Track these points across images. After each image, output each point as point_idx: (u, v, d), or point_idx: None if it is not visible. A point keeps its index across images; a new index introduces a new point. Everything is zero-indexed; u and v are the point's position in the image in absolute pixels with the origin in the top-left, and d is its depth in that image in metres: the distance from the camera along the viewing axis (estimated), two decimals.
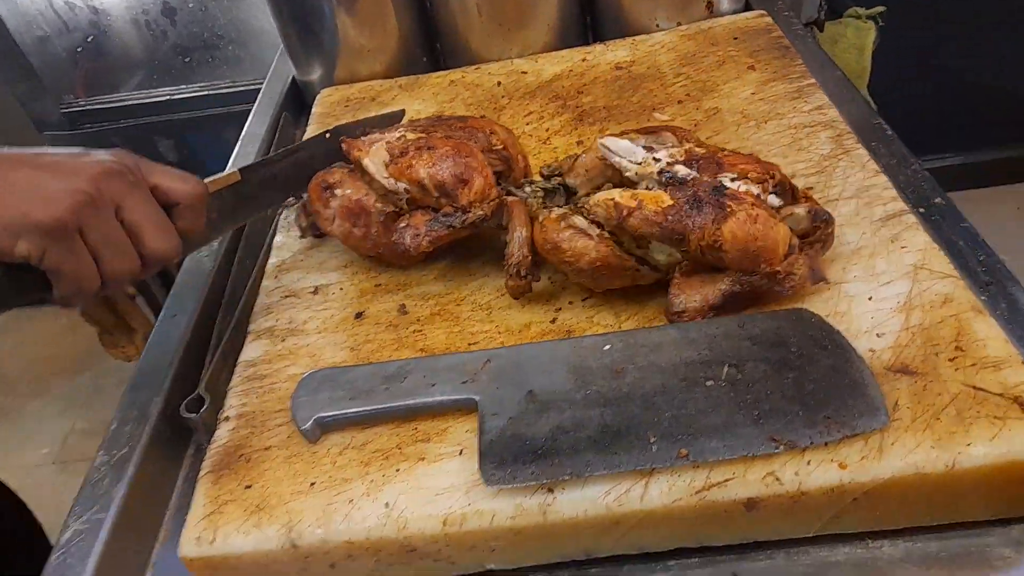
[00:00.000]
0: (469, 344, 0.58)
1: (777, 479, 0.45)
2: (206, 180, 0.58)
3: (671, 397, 0.49)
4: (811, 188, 0.66)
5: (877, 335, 0.51)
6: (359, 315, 0.63)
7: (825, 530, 0.46)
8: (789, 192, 0.58)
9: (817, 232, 0.57)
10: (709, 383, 0.50)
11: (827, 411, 0.46)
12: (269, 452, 0.52)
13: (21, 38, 1.25)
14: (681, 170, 0.57)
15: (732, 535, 0.47)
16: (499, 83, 0.92)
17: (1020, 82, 1.63)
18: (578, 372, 0.52)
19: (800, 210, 0.57)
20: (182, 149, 1.33)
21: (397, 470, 0.49)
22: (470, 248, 0.67)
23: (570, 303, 0.61)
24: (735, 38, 0.90)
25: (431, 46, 1.02)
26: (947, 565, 0.44)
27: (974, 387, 0.46)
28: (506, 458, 0.47)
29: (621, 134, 0.63)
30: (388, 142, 0.65)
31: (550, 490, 0.46)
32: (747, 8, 0.98)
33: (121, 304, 1.49)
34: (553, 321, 0.59)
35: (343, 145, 0.67)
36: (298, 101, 1.03)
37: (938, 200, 0.63)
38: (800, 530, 0.46)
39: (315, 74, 1.01)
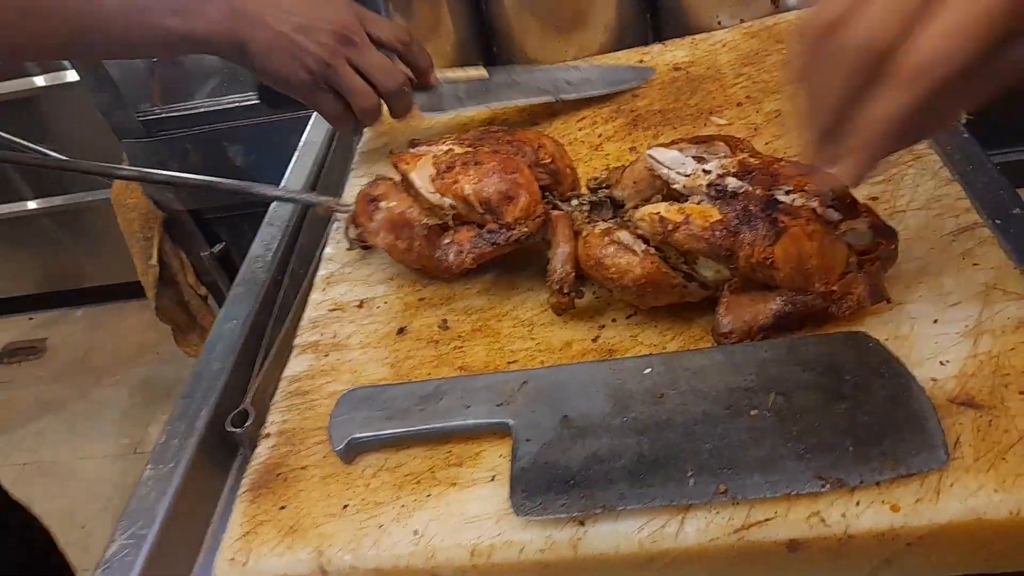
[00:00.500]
0: (508, 362, 0.57)
1: (822, 520, 0.42)
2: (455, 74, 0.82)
3: (712, 426, 0.47)
4: (876, 198, 0.62)
5: (941, 362, 0.48)
6: (401, 330, 0.63)
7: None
8: (849, 205, 0.55)
9: (879, 248, 0.53)
10: (754, 412, 0.47)
11: (881, 447, 0.43)
12: (305, 471, 0.52)
13: None
14: (732, 182, 0.54)
15: None
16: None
17: None
18: (616, 396, 0.50)
19: (861, 225, 0.53)
20: (250, 154, 1.36)
21: (428, 495, 0.49)
22: (515, 261, 0.66)
23: (614, 320, 0.59)
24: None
25: (487, 49, 1.01)
26: None
27: None
28: (538, 487, 0.46)
29: (670, 144, 0.60)
30: (435, 156, 0.65)
31: (581, 523, 0.45)
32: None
33: (193, 304, 1.56)
34: (595, 340, 0.58)
35: (391, 158, 0.67)
36: None
37: (1016, 211, 0.58)
38: (847, 575, 0.43)
39: None
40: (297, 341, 0.64)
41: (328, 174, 0.90)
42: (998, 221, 0.57)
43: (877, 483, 0.42)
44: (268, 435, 0.56)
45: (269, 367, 0.63)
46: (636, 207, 0.60)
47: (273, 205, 0.84)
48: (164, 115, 1.36)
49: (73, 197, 2.06)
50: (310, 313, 0.67)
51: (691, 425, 0.47)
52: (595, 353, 0.56)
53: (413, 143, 0.68)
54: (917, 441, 0.43)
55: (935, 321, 0.50)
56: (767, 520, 0.43)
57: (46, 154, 1.62)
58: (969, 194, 0.59)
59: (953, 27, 0.33)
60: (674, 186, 0.57)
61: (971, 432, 0.43)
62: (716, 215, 0.52)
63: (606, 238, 0.56)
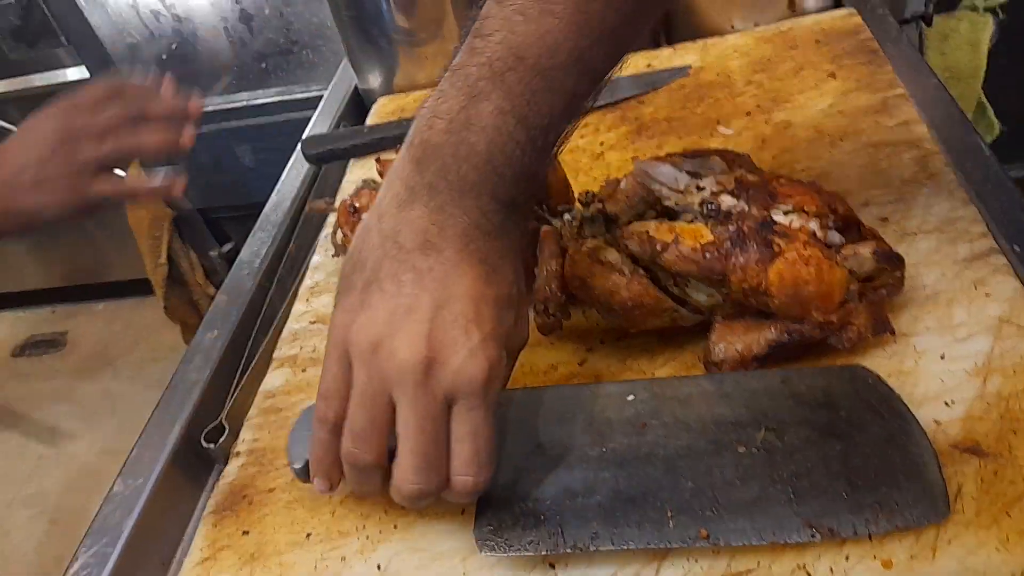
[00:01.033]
0: None
1: (808, 573, 0.39)
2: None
3: (696, 462, 0.44)
4: (886, 219, 0.58)
5: (946, 403, 0.44)
6: None
7: None
8: (854, 227, 0.51)
9: (883, 275, 0.50)
10: (741, 448, 0.44)
11: (876, 495, 0.40)
12: (272, 495, 0.50)
13: (111, 45, 1.30)
14: (726, 200, 0.51)
15: None
16: None
17: None
18: (595, 424, 0.48)
19: (864, 250, 0.50)
20: (259, 153, 1.36)
21: (395, 526, 0.46)
22: None
23: (602, 343, 0.56)
24: (817, 41, 0.81)
25: None
26: None
27: None
28: (504, 522, 0.43)
29: (665, 157, 0.57)
30: None
31: (551, 565, 0.42)
32: (837, 5, 0.89)
33: (202, 303, 1.55)
34: (582, 363, 0.55)
35: (376, 165, 0.65)
36: (359, 109, 1.02)
37: None
38: None
39: (375, 82, 0.99)
40: (276, 354, 0.62)
41: (326, 175, 0.88)
42: (1016, 248, 0.54)
43: (870, 536, 0.39)
44: (238, 453, 0.54)
45: (248, 380, 0.61)
46: (628, 223, 0.57)
47: (267, 209, 0.82)
48: None
49: None
50: (291, 325, 0.65)
51: (673, 460, 0.45)
52: (581, 377, 0.54)
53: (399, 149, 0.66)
54: (915, 491, 0.40)
55: (942, 356, 0.47)
56: (749, 571, 0.40)
57: None
58: (986, 217, 0.55)
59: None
60: (666, 203, 0.54)
61: (974, 483, 0.40)
62: (708, 236, 0.49)
63: (593, 257, 0.53)
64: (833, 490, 0.41)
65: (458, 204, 0.39)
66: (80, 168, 0.65)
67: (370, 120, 0.95)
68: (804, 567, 0.39)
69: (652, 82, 0.83)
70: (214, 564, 0.47)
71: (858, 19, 0.83)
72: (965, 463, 0.41)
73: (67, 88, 1.69)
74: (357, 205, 0.62)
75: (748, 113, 0.75)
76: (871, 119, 0.68)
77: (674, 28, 0.95)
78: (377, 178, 0.66)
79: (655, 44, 0.95)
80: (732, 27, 0.89)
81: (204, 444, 0.57)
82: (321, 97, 1.04)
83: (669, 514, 0.42)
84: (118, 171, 0.67)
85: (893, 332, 0.49)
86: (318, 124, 0.97)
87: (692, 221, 0.52)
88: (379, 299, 0.39)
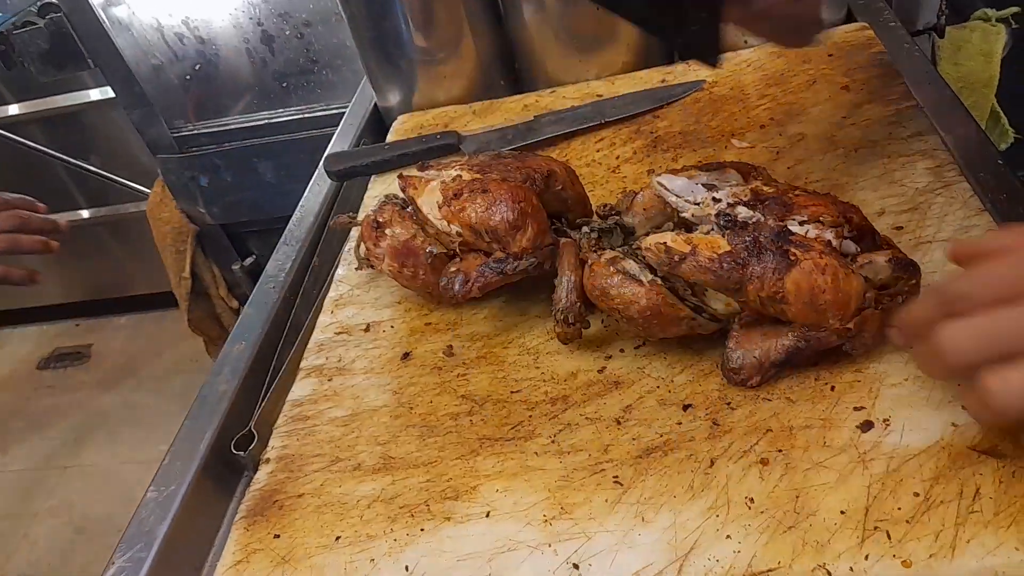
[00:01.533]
0: (511, 392, 0.56)
1: (828, 573, 0.40)
2: None
3: None
4: (902, 227, 0.59)
5: (963, 407, 0.45)
6: (406, 356, 0.62)
7: None
8: (869, 237, 0.52)
9: (899, 283, 0.50)
10: None
11: None
12: (302, 499, 0.52)
13: (137, 68, 1.34)
14: (742, 212, 0.52)
15: None
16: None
17: None
18: None
19: (880, 259, 0.50)
20: (280, 170, 1.38)
21: (422, 529, 0.47)
22: (525, 287, 0.64)
23: (621, 351, 0.57)
24: (830, 55, 0.83)
25: (509, 70, 1.00)
26: None
27: None
28: None
29: (680, 170, 0.59)
30: (443, 182, 0.64)
31: (575, 566, 0.43)
32: (848, 19, 0.90)
33: (225, 317, 1.57)
34: (601, 371, 0.56)
35: (399, 181, 0.67)
36: (379, 127, 1.04)
37: None
38: None
39: (394, 100, 1.01)
40: (303, 365, 0.64)
41: (347, 191, 0.90)
42: None
43: (888, 536, 0.40)
44: (267, 460, 0.56)
45: (276, 390, 0.63)
46: (646, 235, 0.58)
47: (291, 224, 0.84)
48: (197, 131, 1.39)
49: (120, 208, 2.12)
50: (317, 336, 0.66)
51: None
52: (600, 385, 0.55)
53: (423, 166, 0.68)
54: None
55: None
56: (770, 571, 0.40)
57: (87, 168, 1.67)
58: (1000, 224, 0.56)
59: None
60: (683, 215, 0.55)
61: (992, 484, 0.40)
62: (724, 246, 0.50)
63: (611, 267, 0.54)
64: None
65: None
66: None
67: (390, 138, 0.96)
68: (824, 566, 0.40)
69: (666, 97, 0.85)
70: (247, 567, 0.48)
71: (870, 32, 0.84)
72: (982, 465, 0.41)
73: (92, 108, 1.74)
74: (380, 220, 0.64)
75: (762, 126, 0.76)
76: (885, 130, 0.69)
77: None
78: (399, 193, 0.68)
79: (669, 60, 0.97)
80: (745, 42, 0.91)
81: (234, 452, 0.58)
82: (341, 115, 1.06)
83: None
84: None
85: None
86: (338, 142, 0.99)
87: (709, 232, 0.53)
88: None
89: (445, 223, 0.61)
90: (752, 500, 0.44)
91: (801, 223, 0.51)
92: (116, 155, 1.73)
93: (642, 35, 0.93)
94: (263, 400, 0.62)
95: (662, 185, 0.57)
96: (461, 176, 0.63)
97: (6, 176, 1.95)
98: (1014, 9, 1.15)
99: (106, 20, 1.29)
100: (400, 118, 0.98)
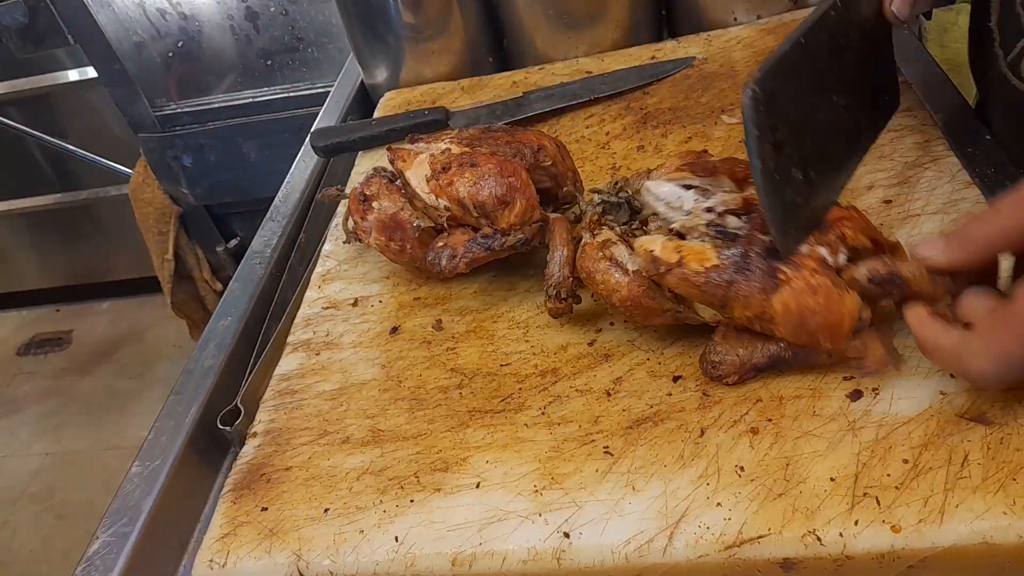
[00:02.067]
0: (501, 365, 0.56)
1: (818, 539, 0.40)
2: None
3: None
4: (890, 201, 0.59)
5: (952, 375, 0.45)
6: (395, 330, 0.61)
7: None
8: (870, 251, 0.47)
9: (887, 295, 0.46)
10: None
11: None
12: (289, 473, 0.51)
13: (119, 45, 1.31)
14: (732, 222, 0.49)
15: None
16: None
17: None
18: None
19: (862, 270, 0.46)
20: (265, 150, 1.37)
21: (412, 500, 0.47)
22: (514, 262, 0.64)
23: (611, 324, 0.57)
24: None
25: (497, 46, 1.00)
26: None
27: None
28: None
29: (675, 171, 0.56)
30: (432, 155, 0.63)
31: (566, 535, 0.43)
32: None
33: (209, 299, 1.56)
34: (591, 344, 0.56)
35: (388, 153, 0.66)
36: (366, 104, 1.03)
37: None
38: None
39: (381, 76, 1.00)
40: (290, 339, 0.63)
41: (333, 167, 0.89)
42: None
43: (877, 502, 0.40)
44: (255, 434, 0.55)
45: (262, 365, 0.62)
46: (646, 221, 0.56)
47: (276, 201, 0.83)
48: (180, 110, 1.37)
49: (101, 190, 2.09)
50: (304, 311, 0.66)
51: None
52: (591, 358, 0.55)
53: (413, 139, 0.67)
54: None
55: None
56: (760, 537, 0.41)
57: (67, 148, 1.64)
58: (988, 198, 0.56)
59: None
60: (671, 227, 0.52)
61: (980, 450, 0.41)
62: (713, 259, 0.47)
63: (601, 252, 0.53)
64: None
65: None
66: None
67: (377, 114, 0.95)
68: (814, 532, 0.40)
69: (656, 73, 0.84)
70: (234, 539, 0.48)
71: None
72: (971, 431, 0.42)
73: (72, 88, 1.71)
74: (368, 193, 0.63)
75: None
76: None
77: (677, 21, 0.96)
78: (388, 166, 0.67)
79: (658, 37, 0.96)
80: (735, 19, 0.90)
81: (220, 426, 0.58)
82: (327, 94, 1.05)
83: None
84: None
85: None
86: (324, 119, 0.98)
87: (700, 239, 0.50)
88: None
89: (433, 197, 0.61)
90: (742, 468, 0.44)
91: None
92: (97, 136, 1.70)
93: (632, 13, 0.93)
94: (249, 375, 0.62)
95: (651, 193, 0.55)
96: (450, 149, 0.63)
97: None
98: None
99: None
100: (387, 95, 0.97)
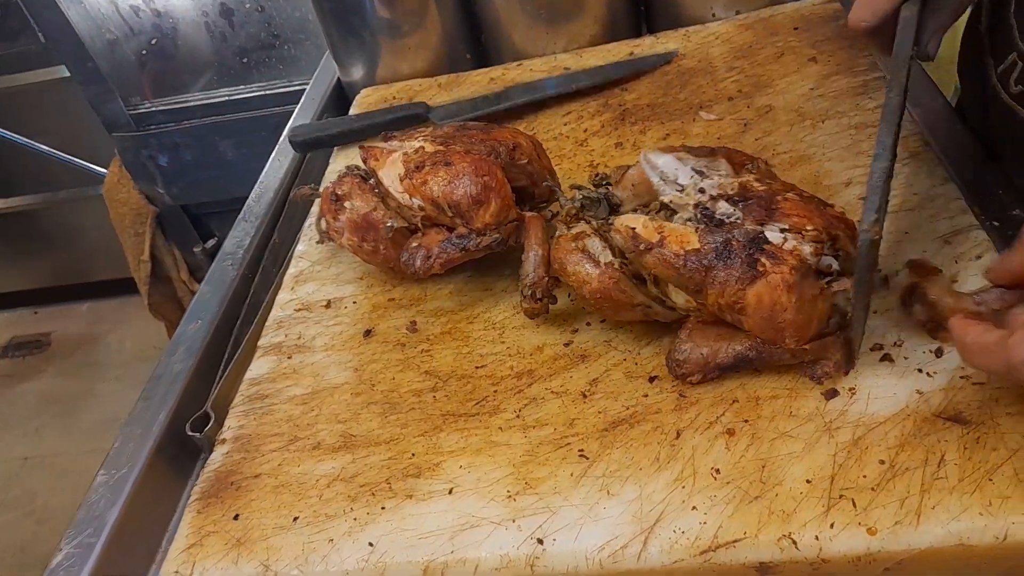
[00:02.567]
0: (476, 367, 0.55)
1: (794, 543, 0.39)
2: None
3: None
4: (866, 198, 0.58)
5: (929, 374, 0.45)
6: (368, 332, 0.60)
7: None
8: (852, 259, 0.47)
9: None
10: None
11: None
12: (258, 480, 0.50)
13: (91, 42, 1.29)
14: (722, 207, 0.49)
15: None
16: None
17: None
18: None
19: (851, 285, 0.46)
20: (241, 148, 1.35)
21: (383, 508, 0.46)
22: (490, 261, 0.63)
23: (588, 324, 0.56)
24: (796, 28, 0.82)
25: (475, 42, 0.98)
26: None
27: None
28: None
29: (674, 148, 0.55)
30: (406, 153, 0.62)
31: (539, 541, 0.42)
32: None
33: (187, 300, 1.53)
34: (568, 344, 0.55)
35: (361, 152, 0.65)
36: (342, 101, 1.02)
37: (1016, 212, 0.55)
38: None
39: (357, 74, 0.99)
40: (261, 343, 0.62)
41: (309, 165, 0.87)
42: (996, 223, 0.54)
43: (853, 504, 0.39)
44: (224, 440, 0.54)
45: (233, 369, 0.61)
46: (634, 211, 0.55)
47: (250, 200, 0.81)
48: (154, 109, 1.34)
49: (78, 191, 2.05)
50: (276, 313, 0.65)
51: None
52: (567, 359, 0.54)
53: (386, 136, 0.66)
54: None
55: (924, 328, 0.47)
56: (736, 541, 0.40)
57: (40, 149, 1.61)
58: (965, 194, 0.56)
59: None
60: (662, 198, 0.52)
61: (956, 450, 0.40)
62: (694, 242, 0.46)
63: (574, 243, 0.52)
64: None
65: None
66: None
67: (353, 111, 0.94)
68: (790, 535, 0.39)
69: (634, 69, 0.84)
70: (200, 550, 0.46)
71: (837, 5, 0.84)
72: (947, 431, 0.41)
73: (44, 88, 1.68)
74: (340, 192, 0.62)
75: (730, 98, 0.75)
76: (851, 101, 0.69)
77: (655, 17, 0.96)
78: (361, 164, 0.66)
79: (637, 33, 0.95)
80: (713, 15, 0.90)
81: (189, 433, 0.56)
82: (304, 91, 1.04)
83: None
84: None
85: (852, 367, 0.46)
86: (300, 117, 0.97)
87: (686, 222, 0.49)
88: None
89: (407, 196, 0.59)
90: (718, 471, 0.43)
91: (781, 231, 0.46)
92: (71, 135, 1.67)
93: (610, 8, 0.92)
94: (220, 379, 0.60)
95: (648, 161, 0.54)
96: (424, 148, 0.62)
97: None
98: None
99: None
100: (363, 92, 0.96)
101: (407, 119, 0.84)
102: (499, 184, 0.58)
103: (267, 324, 0.64)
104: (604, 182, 0.59)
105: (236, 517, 0.48)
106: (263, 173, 0.86)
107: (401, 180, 0.60)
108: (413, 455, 0.49)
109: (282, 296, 0.66)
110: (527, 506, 0.44)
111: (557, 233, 0.56)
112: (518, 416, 0.50)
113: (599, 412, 0.49)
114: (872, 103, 0.68)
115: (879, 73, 0.71)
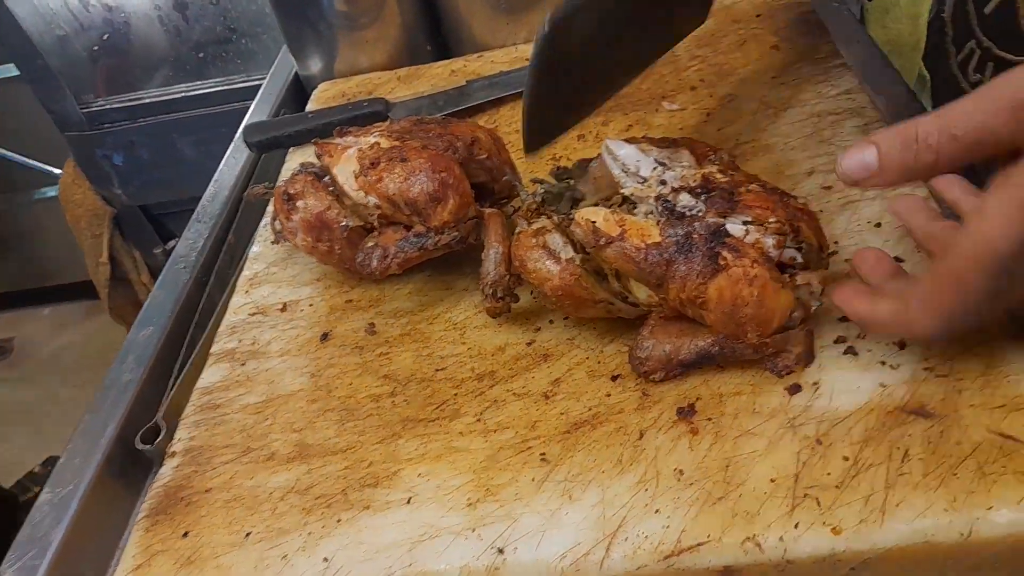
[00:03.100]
0: (436, 370, 0.53)
1: (758, 545, 0.38)
2: None
3: None
4: (830, 187, 0.58)
5: (891, 367, 0.44)
6: (325, 336, 0.58)
7: None
8: (816, 251, 0.47)
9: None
10: None
11: None
12: (209, 495, 0.48)
13: (40, 39, 1.24)
14: (683, 200, 0.48)
15: None
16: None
17: None
18: None
19: (816, 280, 0.46)
20: (199, 146, 1.31)
21: (339, 520, 0.44)
22: (450, 259, 0.61)
23: (551, 322, 0.55)
24: (759, 15, 0.81)
25: (435, 34, 0.96)
26: None
27: (1002, 434, 0.39)
28: None
29: (638, 139, 0.54)
30: (360, 149, 0.60)
31: (500, 551, 0.41)
32: None
33: None
34: (530, 344, 0.54)
35: (315, 147, 0.63)
36: (300, 96, 0.99)
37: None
38: None
39: (315, 67, 0.96)
40: (213, 349, 0.60)
41: (265, 163, 0.85)
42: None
43: (818, 503, 0.38)
44: (173, 453, 0.52)
45: (185, 378, 0.59)
46: (595, 205, 0.54)
47: (204, 200, 0.79)
48: (108, 106, 1.31)
49: (34, 193, 2.00)
50: (230, 318, 0.62)
51: None
52: (529, 358, 0.52)
53: (341, 131, 0.64)
54: None
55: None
56: (699, 545, 0.39)
57: None
58: (928, 184, 0.55)
59: None
60: (622, 190, 0.51)
61: (921, 444, 0.40)
62: (655, 236, 0.46)
63: (535, 240, 0.51)
64: None
65: None
66: None
67: (311, 106, 0.92)
68: (754, 538, 0.38)
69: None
70: (148, 571, 0.45)
71: None
72: (911, 425, 0.41)
73: None
74: (292, 192, 0.60)
75: (693, 88, 0.74)
76: (813, 89, 0.68)
77: None
78: (315, 161, 0.64)
79: None
80: None
81: (140, 446, 0.54)
82: (260, 87, 1.01)
83: None
84: None
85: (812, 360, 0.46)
86: (257, 112, 0.94)
87: (648, 215, 0.48)
88: None
89: (362, 194, 0.58)
90: (682, 472, 0.42)
91: (744, 223, 0.46)
92: (23, 135, 1.62)
93: None
94: (171, 389, 0.58)
95: (610, 151, 0.53)
96: (379, 143, 0.60)
97: None
98: None
99: None
100: (321, 86, 0.94)
101: (366, 116, 0.82)
102: (457, 180, 0.57)
103: (220, 330, 0.62)
104: (565, 175, 0.58)
105: (186, 535, 0.46)
106: (218, 171, 0.83)
107: (356, 177, 0.58)
108: (370, 464, 0.48)
109: (236, 300, 0.64)
110: (488, 514, 0.43)
111: (518, 229, 0.54)
112: (479, 420, 0.49)
113: (561, 413, 0.48)
114: (834, 90, 0.67)
115: (841, 60, 0.71)
